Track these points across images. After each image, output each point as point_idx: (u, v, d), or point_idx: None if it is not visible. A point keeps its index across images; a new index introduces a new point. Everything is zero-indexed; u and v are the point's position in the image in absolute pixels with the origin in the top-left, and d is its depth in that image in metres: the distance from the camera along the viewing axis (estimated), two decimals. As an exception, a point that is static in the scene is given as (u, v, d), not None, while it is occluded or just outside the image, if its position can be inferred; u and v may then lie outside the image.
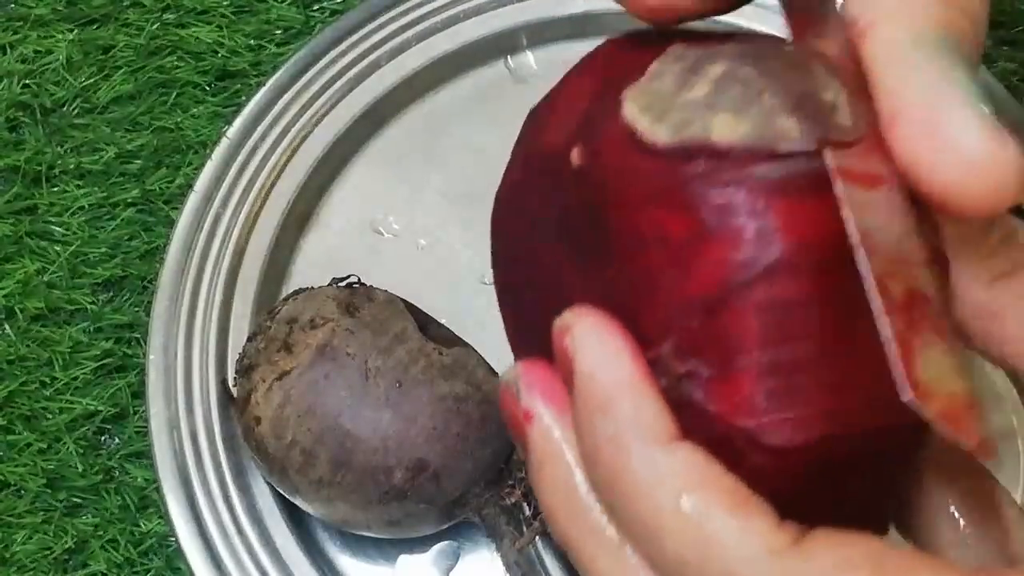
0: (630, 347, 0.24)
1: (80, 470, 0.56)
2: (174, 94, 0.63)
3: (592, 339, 0.24)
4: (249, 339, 0.50)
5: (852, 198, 0.22)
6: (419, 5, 0.61)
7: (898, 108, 0.22)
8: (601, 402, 0.23)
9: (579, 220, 0.26)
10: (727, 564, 0.21)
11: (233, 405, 0.50)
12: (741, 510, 0.22)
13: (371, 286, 0.51)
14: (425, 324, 0.49)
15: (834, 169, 0.23)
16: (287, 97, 0.59)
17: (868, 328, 0.22)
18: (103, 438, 0.58)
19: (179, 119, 0.63)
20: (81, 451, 0.57)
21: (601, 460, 0.23)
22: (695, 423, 0.23)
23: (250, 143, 0.58)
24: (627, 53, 0.27)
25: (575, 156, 0.25)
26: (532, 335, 0.26)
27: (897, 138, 0.22)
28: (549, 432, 0.24)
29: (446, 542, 0.52)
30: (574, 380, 0.24)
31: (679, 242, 0.23)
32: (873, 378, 0.23)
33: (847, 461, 0.23)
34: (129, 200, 0.61)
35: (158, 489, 0.52)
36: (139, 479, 0.56)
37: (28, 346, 0.59)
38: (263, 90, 0.59)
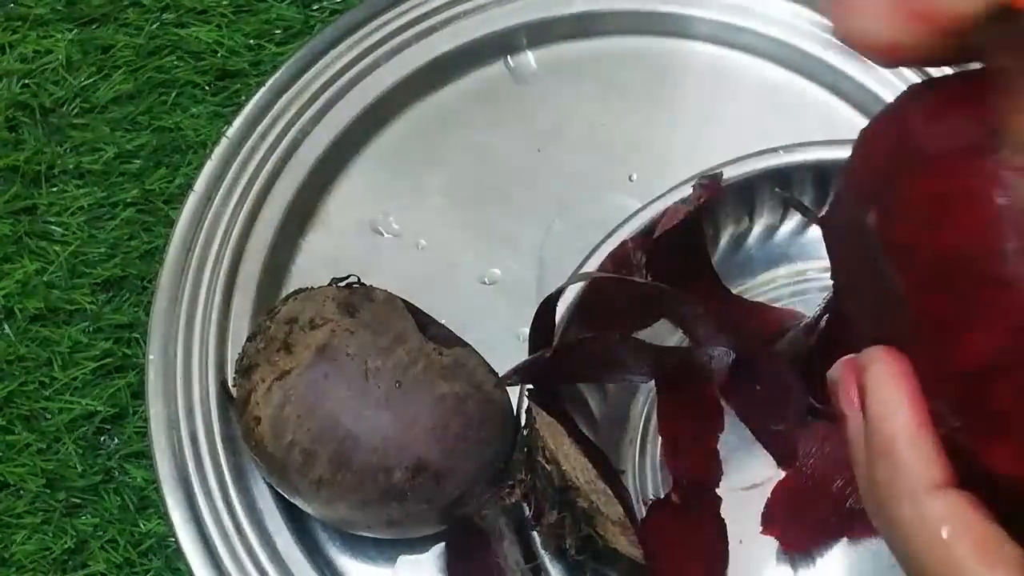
0: (914, 394, 0.27)
1: (79, 470, 0.56)
2: (174, 94, 0.63)
3: (882, 384, 0.27)
4: (249, 339, 0.50)
5: None
6: (419, 5, 0.61)
7: None
8: (883, 447, 0.27)
9: (875, 273, 0.28)
10: None
11: (233, 405, 0.50)
12: (990, 560, 0.25)
13: (371, 286, 0.51)
14: (425, 324, 0.49)
15: None
16: (287, 97, 0.59)
17: None
18: (102, 438, 0.58)
19: (179, 119, 0.63)
20: (80, 451, 0.57)
21: (877, 497, 0.27)
22: (971, 468, 0.26)
23: (250, 143, 0.58)
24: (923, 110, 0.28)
25: (871, 219, 0.28)
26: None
27: None
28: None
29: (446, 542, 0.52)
30: (864, 419, 0.28)
31: (950, 322, 0.26)
32: None
33: None
34: (129, 200, 0.61)
35: (157, 489, 0.52)
36: (139, 479, 0.56)
37: (27, 346, 0.59)
38: (263, 90, 0.59)
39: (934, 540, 0.25)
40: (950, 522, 0.25)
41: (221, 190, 0.57)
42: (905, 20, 0.26)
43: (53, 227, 0.61)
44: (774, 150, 0.53)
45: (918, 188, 0.26)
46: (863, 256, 0.29)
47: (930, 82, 0.29)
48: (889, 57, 0.27)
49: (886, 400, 0.27)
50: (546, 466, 0.45)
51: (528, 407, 0.47)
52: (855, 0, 0.26)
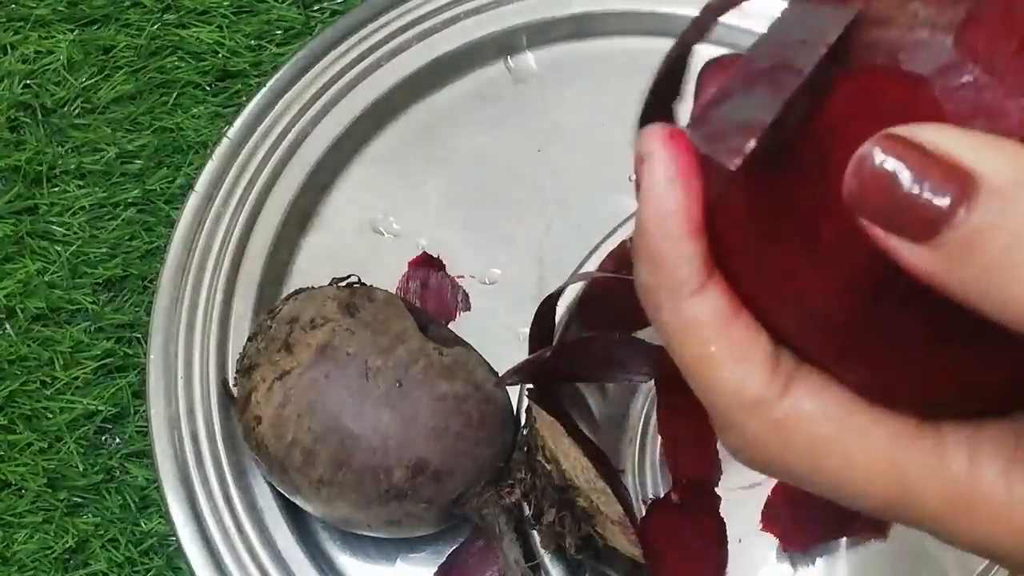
0: (686, 185, 0.25)
1: (81, 470, 0.57)
2: (175, 94, 0.64)
3: (656, 181, 0.25)
4: (250, 339, 0.50)
5: None
6: (419, 5, 0.61)
7: None
8: (648, 254, 0.25)
9: None
10: (726, 411, 0.25)
11: (233, 405, 0.51)
12: (743, 361, 0.25)
13: (371, 286, 0.51)
14: (425, 324, 0.49)
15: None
16: (288, 97, 0.59)
17: None
18: (104, 438, 0.58)
19: (180, 119, 0.63)
20: (82, 451, 0.57)
21: (644, 301, 0.26)
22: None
23: (251, 143, 0.58)
24: None
25: None
26: None
27: None
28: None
29: (446, 542, 0.52)
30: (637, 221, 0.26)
31: None
32: None
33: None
34: (130, 200, 0.61)
35: (159, 489, 0.53)
36: (140, 479, 0.56)
37: (29, 346, 0.59)
38: (263, 90, 0.59)
39: (694, 343, 0.25)
40: (707, 324, 0.25)
41: (222, 190, 0.58)
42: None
43: (54, 227, 0.61)
44: (773, 150, 0.53)
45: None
46: None
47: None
48: None
49: (657, 200, 0.25)
50: (546, 465, 0.46)
51: (528, 407, 0.47)
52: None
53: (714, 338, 0.25)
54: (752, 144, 0.22)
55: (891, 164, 0.21)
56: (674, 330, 0.25)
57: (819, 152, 0.23)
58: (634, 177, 0.26)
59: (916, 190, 0.21)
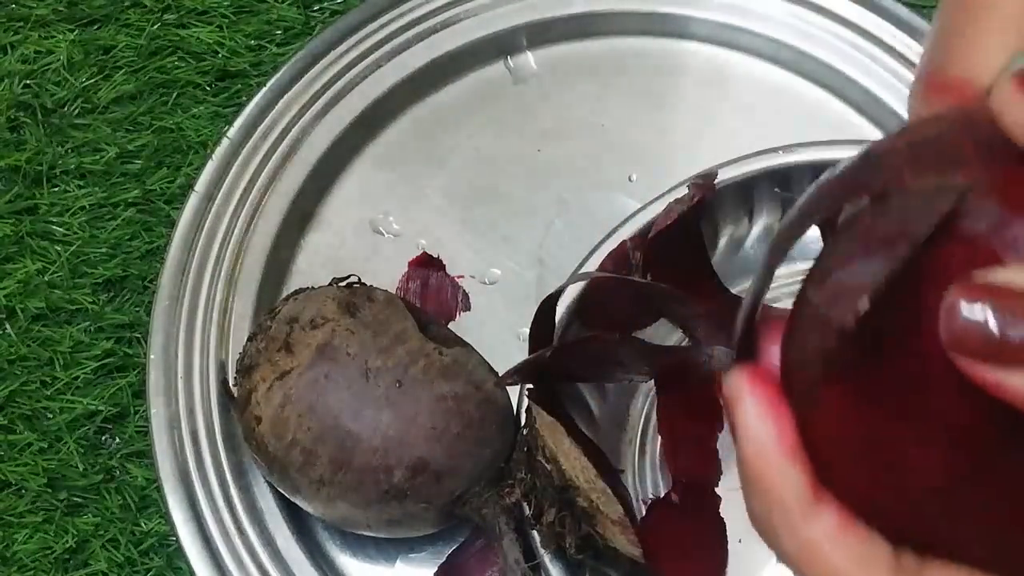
0: (778, 418, 0.27)
1: (81, 469, 0.57)
2: (175, 94, 0.63)
3: (749, 420, 0.27)
4: (249, 339, 0.50)
5: None
6: (419, 5, 0.61)
7: None
8: (755, 485, 0.27)
9: None
10: None
11: (233, 405, 0.51)
12: (869, 566, 0.26)
13: (371, 286, 0.51)
14: (425, 324, 0.49)
15: None
16: (288, 97, 0.59)
17: None
18: (104, 438, 0.58)
19: (180, 119, 0.63)
20: (82, 451, 0.57)
21: (759, 528, 0.28)
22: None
23: (251, 143, 0.58)
24: None
25: None
26: None
27: None
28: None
29: (446, 542, 0.52)
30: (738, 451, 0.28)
31: None
32: None
33: None
34: (130, 200, 0.61)
35: (159, 489, 0.53)
36: (140, 479, 0.56)
37: (29, 346, 0.59)
38: (263, 90, 0.59)
39: (816, 563, 0.26)
40: (825, 543, 0.26)
41: (222, 190, 0.58)
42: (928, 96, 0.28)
43: (54, 227, 0.61)
44: (774, 150, 0.53)
45: None
46: None
47: None
48: None
49: (754, 431, 0.27)
50: (546, 465, 0.46)
51: (528, 407, 0.47)
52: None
53: (835, 555, 0.26)
54: (865, 303, 0.24)
55: (978, 307, 0.23)
56: (795, 553, 0.27)
57: (901, 325, 0.25)
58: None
59: (1007, 322, 0.23)
